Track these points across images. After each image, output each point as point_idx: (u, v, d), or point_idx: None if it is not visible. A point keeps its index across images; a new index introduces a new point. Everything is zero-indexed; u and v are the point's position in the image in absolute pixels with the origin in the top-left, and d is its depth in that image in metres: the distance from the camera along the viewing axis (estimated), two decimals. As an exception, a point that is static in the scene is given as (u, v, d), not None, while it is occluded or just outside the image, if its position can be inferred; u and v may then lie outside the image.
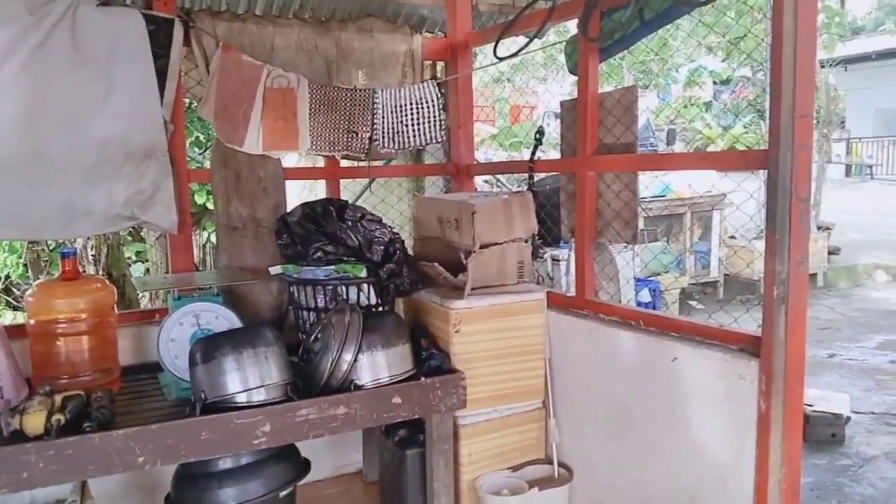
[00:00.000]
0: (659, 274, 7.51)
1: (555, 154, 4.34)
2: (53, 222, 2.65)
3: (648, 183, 7.94)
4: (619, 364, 2.60)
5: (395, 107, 3.23)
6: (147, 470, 2.18)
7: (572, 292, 2.96)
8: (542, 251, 5.56)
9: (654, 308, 6.17)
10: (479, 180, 4.13)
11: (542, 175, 4.30)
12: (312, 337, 2.54)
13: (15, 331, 2.57)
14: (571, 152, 3.00)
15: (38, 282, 2.65)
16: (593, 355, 2.73)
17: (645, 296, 6.32)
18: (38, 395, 2.13)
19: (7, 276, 6.81)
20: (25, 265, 6.51)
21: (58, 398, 2.13)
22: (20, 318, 6.40)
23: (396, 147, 3.27)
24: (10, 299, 6.87)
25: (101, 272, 6.10)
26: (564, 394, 2.91)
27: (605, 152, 2.80)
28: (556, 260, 5.88)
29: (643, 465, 2.53)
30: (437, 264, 2.90)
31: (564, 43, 3.23)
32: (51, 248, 6.45)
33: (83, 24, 2.65)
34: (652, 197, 8.07)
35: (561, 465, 2.90)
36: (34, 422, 2.03)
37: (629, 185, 2.80)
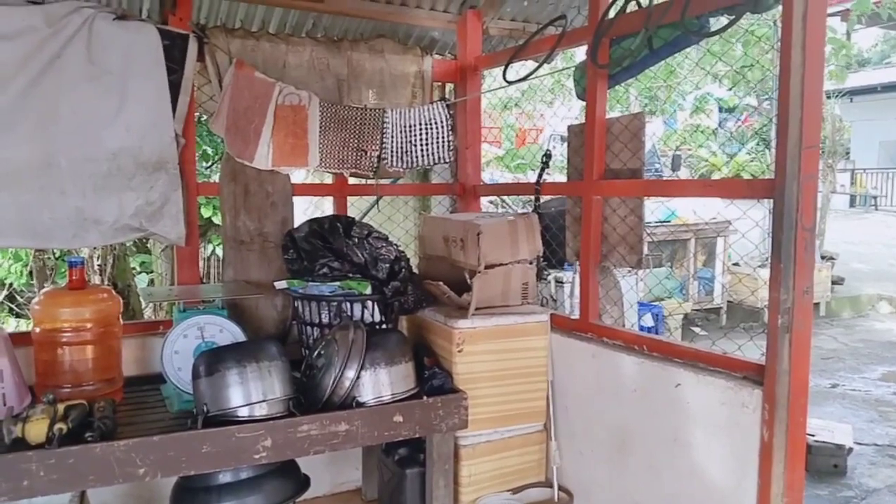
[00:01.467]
0: (662, 299, 7.50)
1: (560, 177, 4.36)
2: (63, 231, 2.67)
3: (654, 208, 7.96)
4: (621, 388, 2.59)
5: (405, 126, 3.26)
6: (147, 482, 2.18)
7: (576, 315, 2.96)
8: (546, 273, 5.56)
9: (656, 333, 6.15)
10: (484, 201, 4.15)
11: (548, 197, 4.33)
12: (316, 353, 2.55)
13: (20, 338, 2.58)
14: (578, 176, 3.02)
15: (44, 290, 2.66)
16: (596, 379, 2.73)
17: (648, 321, 6.31)
18: (41, 404, 2.13)
19: (11, 284, 6.83)
20: (30, 273, 6.52)
21: (60, 407, 2.13)
22: (23, 325, 6.40)
23: (404, 166, 3.30)
24: (13, 307, 6.88)
25: (106, 282, 6.11)
26: (566, 417, 2.90)
27: (612, 177, 2.82)
28: (560, 282, 5.88)
29: (643, 491, 2.52)
30: (441, 283, 2.90)
31: (573, 68, 3.26)
32: (56, 256, 6.47)
33: (99, 37, 2.69)
34: (657, 222, 8.08)
35: (561, 488, 2.89)
36: (36, 430, 2.03)
37: (635, 209, 2.81)
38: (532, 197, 3.38)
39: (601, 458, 2.72)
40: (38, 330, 2.48)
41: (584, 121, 2.92)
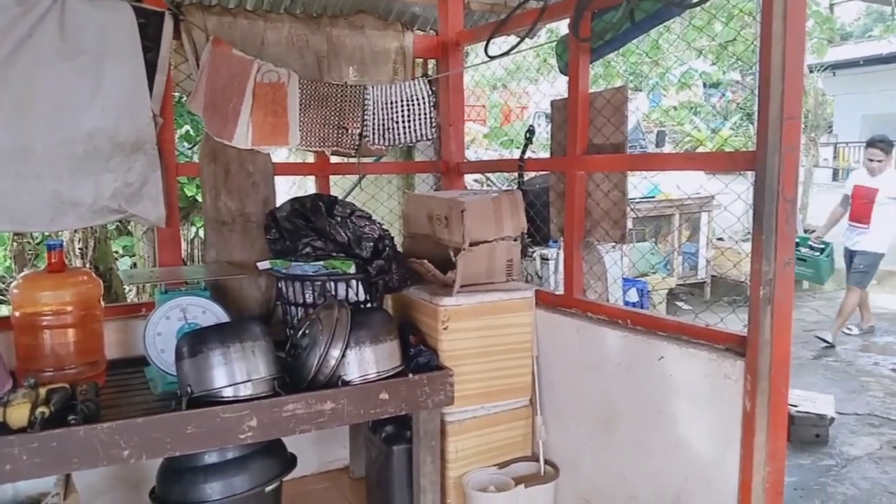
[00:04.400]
0: (647, 274, 7.54)
1: (544, 154, 4.34)
2: (40, 214, 2.64)
3: (637, 183, 7.95)
4: (606, 362, 2.61)
5: (386, 103, 3.23)
6: (132, 464, 2.18)
7: (561, 291, 2.97)
8: (531, 250, 5.57)
9: (641, 308, 6.19)
10: (468, 179, 4.13)
11: (532, 174, 4.31)
12: (300, 332, 2.54)
13: (-1, 323, 2.56)
14: (561, 151, 3.01)
15: (23, 273, 2.63)
16: (580, 354, 2.74)
17: (633, 296, 6.35)
18: (23, 388, 2.12)
19: (-8, 269, 6.76)
20: (11, 258, 6.45)
21: (42, 391, 2.12)
22: (5, 310, 6.34)
23: (387, 143, 3.27)
24: (-5, 292, 6.81)
25: (87, 266, 6.05)
26: (551, 391, 2.92)
27: (595, 152, 2.81)
28: (544, 259, 5.89)
29: (629, 463, 2.55)
30: (426, 261, 2.90)
31: (556, 43, 3.24)
32: (37, 241, 6.40)
33: (72, 15, 2.63)
34: (641, 198, 8.10)
35: (547, 462, 2.91)
36: (18, 414, 2.02)
37: (618, 184, 2.81)
38: (516, 174, 3.37)
39: (587, 432, 2.74)
40: (17, 314, 2.46)
41: (567, 96, 2.90)
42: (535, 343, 2.93)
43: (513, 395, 2.91)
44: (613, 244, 3.06)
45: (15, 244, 6.40)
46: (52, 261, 2.52)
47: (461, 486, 2.81)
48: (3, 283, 6.69)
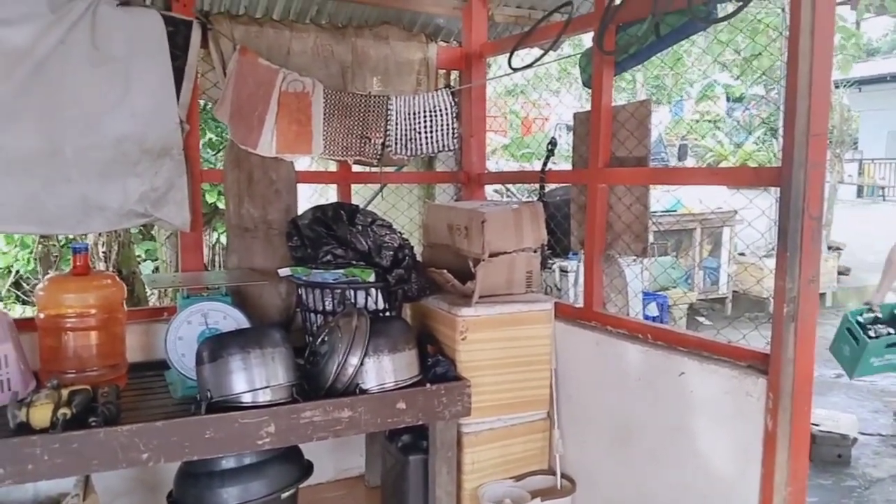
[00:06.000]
0: (667, 289, 7.48)
1: (566, 166, 4.33)
2: (67, 217, 2.67)
3: (659, 197, 7.91)
4: (625, 377, 2.59)
5: (409, 114, 3.25)
6: (150, 467, 2.20)
7: (580, 304, 2.95)
8: (550, 262, 5.56)
9: (661, 322, 6.14)
10: (489, 189, 4.13)
11: (553, 186, 4.31)
12: (319, 340, 2.55)
13: (24, 324, 2.59)
14: (583, 164, 3.00)
15: (48, 276, 2.67)
16: (600, 367, 2.72)
17: (653, 310, 6.29)
18: (46, 389, 2.15)
19: (17, 271, 6.85)
20: (36, 260, 6.54)
21: (64, 392, 2.15)
22: (29, 312, 6.43)
23: (409, 154, 3.28)
24: (19, 293, 6.91)
25: (111, 269, 6.12)
26: (569, 405, 2.90)
27: (618, 165, 2.80)
28: (564, 271, 5.87)
29: (647, 480, 2.52)
30: (445, 271, 2.90)
31: (579, 55, 3.24)
32: (61, 244, 6.49)
33: (103, 23, 2.68)
34: (663, 211, 8.05)
35: (564, 476, 2.89)
36: (40, 415, 2.04)
37: (640, 198, 2.80)
38: (537, 185, 3.37)
39: (604, 447, 2.72)
40: (42, 315, 2.49)
41: (589, 108, 2.89)
42: (553, 355, 2.92)
43: (530, 408, 2.90)
44: (634, 257, 3.05)
45: (40, 247, 6.49)
46: (77, 264, 2.55)
47: (477, 498, 2.79)
48: (28, 285, 6.79)
